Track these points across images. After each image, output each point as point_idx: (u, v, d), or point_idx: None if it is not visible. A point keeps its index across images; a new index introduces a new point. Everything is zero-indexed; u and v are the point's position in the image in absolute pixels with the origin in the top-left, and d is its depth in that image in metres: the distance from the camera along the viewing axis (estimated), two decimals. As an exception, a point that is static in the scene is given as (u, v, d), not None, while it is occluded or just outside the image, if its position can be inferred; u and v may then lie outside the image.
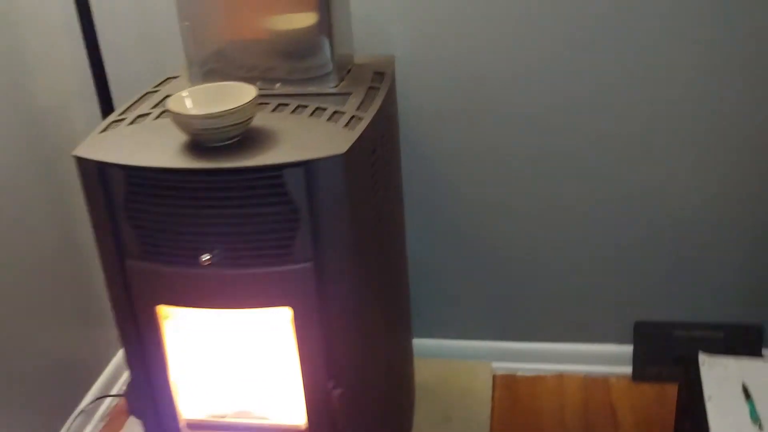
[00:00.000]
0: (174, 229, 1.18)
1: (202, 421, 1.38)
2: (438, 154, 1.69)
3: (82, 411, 1.79)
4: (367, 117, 1.24)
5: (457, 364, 1.89)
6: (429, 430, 1.73)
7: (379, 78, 1.42)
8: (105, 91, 1.57)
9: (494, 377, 1.88)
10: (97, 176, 1.18)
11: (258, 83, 1.39)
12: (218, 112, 1.12)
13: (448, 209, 1.75)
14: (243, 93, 1.18)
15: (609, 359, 1.83)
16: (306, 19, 1.33)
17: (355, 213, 1.19)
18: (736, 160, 1.60)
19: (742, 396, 1.34)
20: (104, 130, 1.27)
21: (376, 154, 1.30)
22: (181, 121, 1.14)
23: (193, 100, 1.19)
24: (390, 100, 1.42)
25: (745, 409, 1.31)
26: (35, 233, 1.63)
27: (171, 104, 1.15)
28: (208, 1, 1.35)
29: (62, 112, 1.71)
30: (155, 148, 1.18)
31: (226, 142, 1.17)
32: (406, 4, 1.57)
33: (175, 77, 1.50)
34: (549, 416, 1.75)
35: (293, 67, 1.38)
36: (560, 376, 1.86)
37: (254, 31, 1.36)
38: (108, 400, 1.88)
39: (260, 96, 1.34)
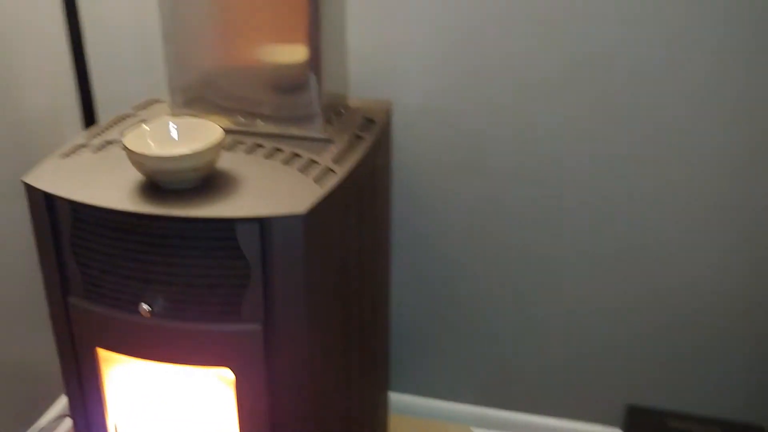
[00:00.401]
0: (117, 271, 1.10)
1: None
2: (433, 209, 1.59)
3: (41, 429, 1.73)
4: (342, 171, 1.15)
5: (434, 425, 1.78)
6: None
7: (367, 125, 1.33)
8: (88, 105, 1.51)
9: (472, 444, 1.77)
10: (45, 206, 1.11)
11: (240, 118, 1.31)
12: (174, 156, 1.04)
13: (439, 267, 1.65)
14: (208, 134, 1.10)
15: (595, 441, 1.71)
16: (294, 53, 1.24)
17: (315, 274, 1.09)
18: (750, 251, 1.47)
19: None
20: (66, 154, 1.20)
21: (351, 210, 1.21)
22: (135, 160, 1.05)
23: (153, 137, 1.11)
24: (377, 150, 1.33)
25: None
26: (6, 238, 1.56)
27: (127, 140, 1.07)
28: (195, 26, 1.27)
29: (52, 121, 1.65)
30: (110, 183, 1.10)
31: (184, 186, 1.08)
32: (414, 48, 1.47)
33: (160, 101, 1.42)
34: (523, 495, 1.64)
35: (279, 104, 1.29)
36: (542, 451, 1.74)
37: (242, 62, 1.28)
38: (70, 420, 1.81)
39: (236, 133, 1.27)
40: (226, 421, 1.20)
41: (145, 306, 1.08)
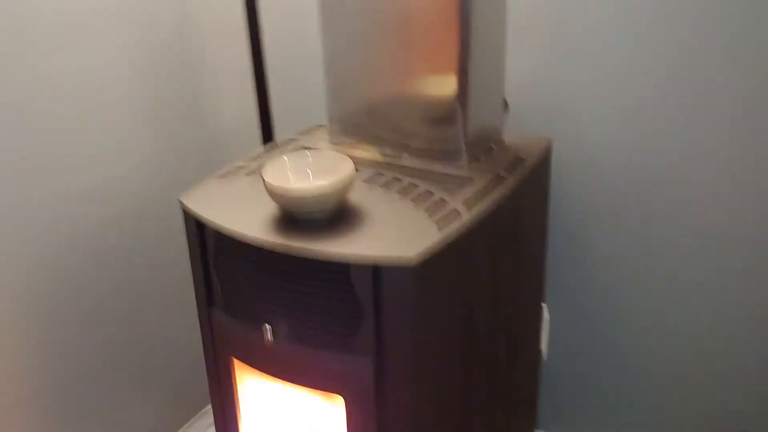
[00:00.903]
0: (249, 291, 1.18)
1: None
2: (593, 255, 1.52)
3: (205, 412, 1.89)
4: (469, 215, 1.13)
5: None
6: None
7: (515, 165, 1.30)
8: (267, 125, 1.61)
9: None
10: (195, 224, 1.21)
11: (387, 149, 1.34)
12: (298, 189, 1.09)
13: (598, 311, 1.56)
14: (340, 170, 1.13)
15: None
16: (443, 85, 1.24)
17: (428, 317, 1.10)
18: None
19: None
20: (223, 175, 1.30)
21: (480, 254, 1.19)
22: (268, 190, 1.12)
23: (291, 169, 1.17)
24: (523, 192, 1.29)
25: None
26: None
27: (265, 170, 1.14)
28: (353, 59, 1.32)
29: (239, 133, 1.79)
30: (251, 210, 1.18)
31: (313, 218, 1.13)
32: (588, 84, 1.40)
33: (324, 126, 1.49)
34: None
35: (428, 137, 1.30)
36: None
37: (395, 93, 1.30)
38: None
39: (380, 165, 1.30)
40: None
41: (267, 327, 1.15)
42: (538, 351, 1.60)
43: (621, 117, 1.40)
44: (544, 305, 1.60)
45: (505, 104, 1.41)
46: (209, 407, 1.89)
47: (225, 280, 1.22)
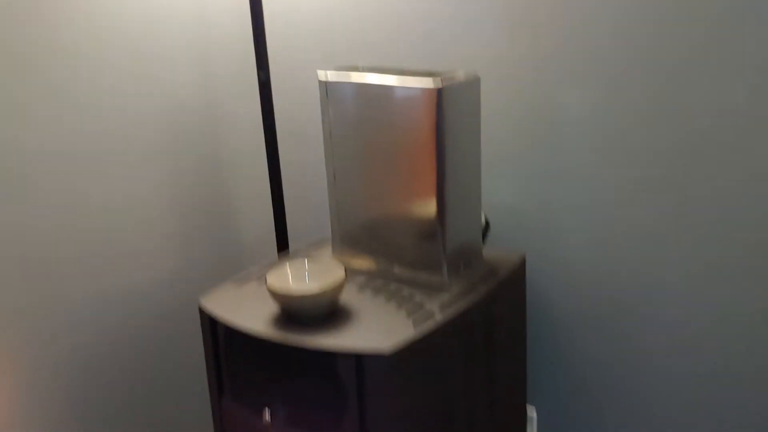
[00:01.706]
0: (253, 379, 1.36)
1: None
2: (570, 362, 1.67)
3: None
4: (441, 316, 1.32)
5: None
6: None
7: (488, 276, 1.48)
8: (282, 236, 1.83)
9: None
10: (209, 321, 1.41)
11: (381, 260, 1.54)
12: (296, 291, 1.29)
13: (589, 418, 1.70)
14: (333, 276, 1.34)
15: None
16: (424, 207, 1.44)
17: (406, 406, 1.26)
18: None
19: None
20: (238, 280, 1.51)
21: (455, 352, 1.36)
22: (270, 291, 1.32)
23: (291, 274, 1.37)
24: (494, 301, 1.46)
25: None
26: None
27: (269, 275, 1.35)
28: (351, 183, 1.54)
29: (261, 244, 2.02)
30: (258, 309, 1.38)
31: (310, 317, 1.33)
32: (563, 206, 1.61)
33: (328, 239, 1.71)
34: None
35: (414, 252, 1.50)
36: None
37: (386, 213, 1.51)
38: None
39: (373, 274, 1.49)
40: None
41: (267, 410, 1.33)
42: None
43: (591, 233, 1.59)
44: (531, 406, 1.74)
45: (487, 224, 1.62)
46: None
47: (233, 370, 1.40)
